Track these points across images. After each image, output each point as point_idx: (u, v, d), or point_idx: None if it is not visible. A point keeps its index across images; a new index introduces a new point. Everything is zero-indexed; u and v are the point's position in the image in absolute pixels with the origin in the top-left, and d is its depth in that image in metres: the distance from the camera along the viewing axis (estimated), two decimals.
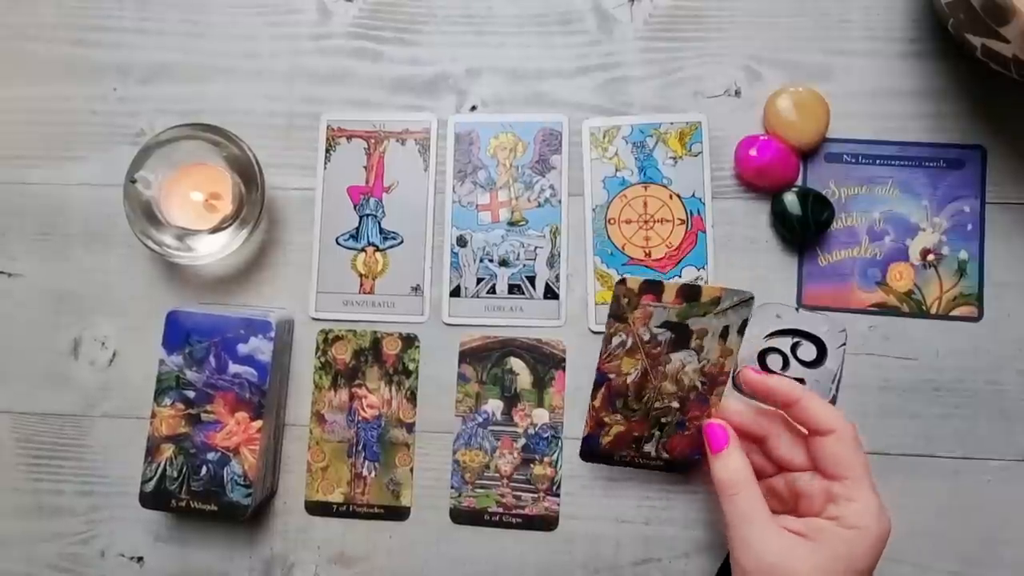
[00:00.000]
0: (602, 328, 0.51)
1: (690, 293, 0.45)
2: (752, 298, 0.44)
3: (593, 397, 0.48)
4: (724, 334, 0.45)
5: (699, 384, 0.46)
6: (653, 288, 0.45)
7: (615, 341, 0.46)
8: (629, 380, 0.47)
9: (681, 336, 0.46)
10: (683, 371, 0.46)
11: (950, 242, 0.51)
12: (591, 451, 0.49)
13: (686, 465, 0.49)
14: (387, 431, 0.51)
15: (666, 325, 0.45)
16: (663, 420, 0.47)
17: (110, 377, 0.53)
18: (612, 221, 0.52)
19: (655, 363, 0.46)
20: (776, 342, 0.51)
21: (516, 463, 0.51)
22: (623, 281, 0.45)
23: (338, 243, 0.53)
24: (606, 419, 0.48)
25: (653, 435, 0.48)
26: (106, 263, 0.54)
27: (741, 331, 0.45)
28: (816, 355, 0.50)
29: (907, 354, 0.50)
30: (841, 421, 0.42)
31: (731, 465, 0.43)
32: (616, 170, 0.53)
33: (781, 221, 0.51)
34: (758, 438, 0.45)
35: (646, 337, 0.46)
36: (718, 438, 0.44)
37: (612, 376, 0.47)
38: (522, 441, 0.51)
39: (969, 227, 0.51)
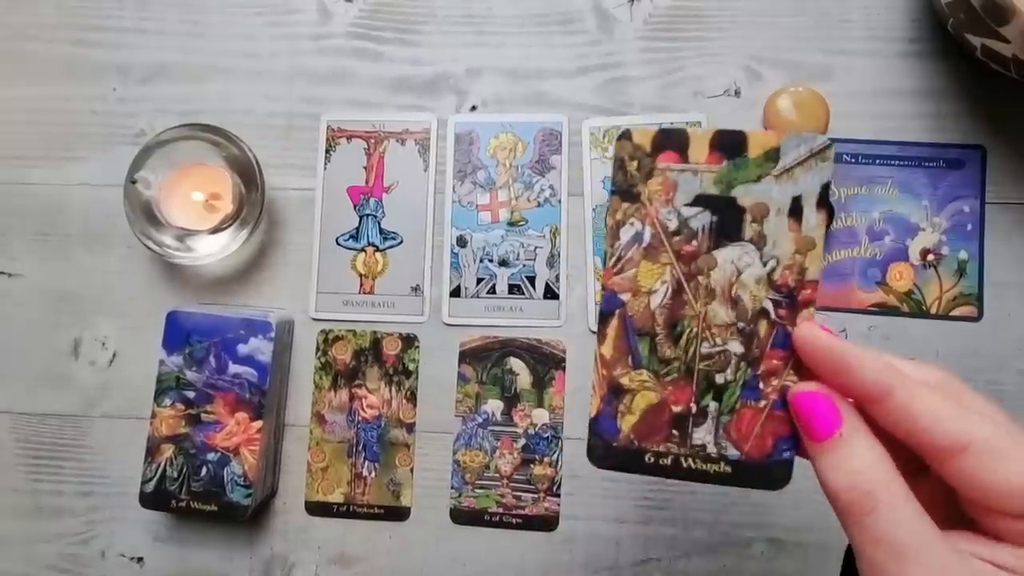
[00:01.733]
0: None
1: (731, 144, 0.29)
2: (831, 145, 0.28)
3: (599, 340, 0.30)
4: (796, 210, 0.29)
5: (770, 304, 0.29)
6: (673, 140, 0.29)
7: (625, 234, 0.30)
8: (655, 304, 0.30)
9: (728, 218, 0.29)
10: (739, 281, 0.29)
11: (950, 242, 0.51)
12: (604, 448, 0.30)
13: (769, 472, 0.29)
14: (387, 431, 0.51)
15: (701, 201, 0.29)
16: (719, 379, 0.29)
17: (110, 377, 0.53)
18: None
19: (692, 271, 0.29)
20: None
21: (516, 463, 0.51)
22: (627, 135, 0.30)
23: (338, 243, 0.53)
24: (625, 380, 0.30)
25: (706, 409, 0.29)
26: (106, 263, 0.54)
27: (823, 204, 0.28)
28: None
29: (907, 354, 0.50)
30: (976, 424, 0.24)
31: (853, 462, 0.25)
32: None
33: None
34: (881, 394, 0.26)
35: (672, 224, 0.29)
36: (822, 417, 0.26)
37: (625, 297, 0.30)
38: (522, 441, 0.51)
39: (969, 227, 0.51)
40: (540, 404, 0.51)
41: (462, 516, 0.51)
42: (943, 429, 0.24)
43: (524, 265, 0.52)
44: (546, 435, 0.51)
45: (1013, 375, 0.50)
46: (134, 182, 0.49)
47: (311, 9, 0.55)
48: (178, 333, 0.48)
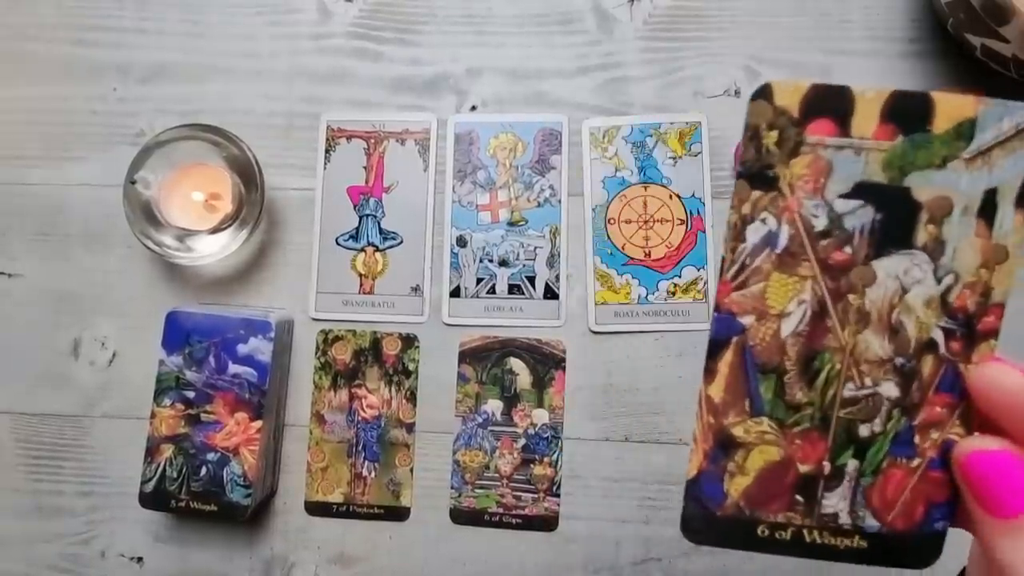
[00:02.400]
0: (603, 328, 0.51)
1: (911, 112, 0.22)
2: None
3: (707, 378, 0.24)
4: (987, 209, 0.22)
5: (941, 335, 0.22)
6: (831, 103, 0.22)
7: (753, 234, 0.23)
8: (787, 331, 0.23)
9: (896, 216, 0.22)
10: (903, 303, 0.22)
11: None
12: (704, 518, 0.24)
13: (916, 547, 0.24)
14: (387, 431, 0.51)
15: (862, 191, 0.22)
16: (863, 432, 0.23)
17: (110, 377, 0.53)
18: (612, 221, 0.52)
19: (842, 287, 0.23)
20: None
21: (516, 463, 0.51)
22: (766, 92, 0.23)
23: (338, 243, 0.53)
24: (738, 432, 0.24)
25: (843, 468, 0.23)
26: (106, 263, 0.54)
27: (1023, 202, 0.22)
28: None
29: None
30: None
31: None
32: (616, 170, 0.52)
33: None
34: None
35: (820, 222, 0.22)
36: (1012, 485, 0.20)
37: (747, 321, 0.23)
38: (522, 441, 0.51)
39: None
40: (540, 404, 0.51)
41: (462, 516, 0.51)
42: None
43: (524, 265, 0.52)
44: (546, 435, 0.51)
45: None
46: (134, 182, 0.49)
47: (311, 9, 0.55)
48: (178, 333, 0.48)
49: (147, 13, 0.55)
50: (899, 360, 0.22)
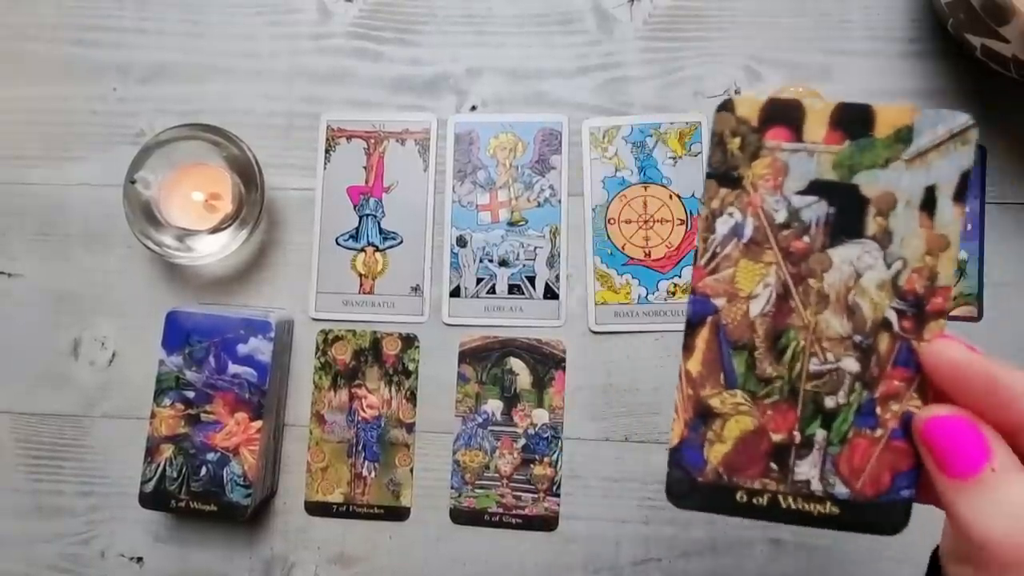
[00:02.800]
0: (603, 328, 0.51)
1: (855, 120, 0.25)
2: (974, 125, 0.25)
3: (685, 354, 0.26)
4: (928, 203, 0.25)
5: (894, 315, 0.25)
6: (785, 114, 0.25)
7: (722, 226, 0.26)
8: (755, 311, 0.26)
9: (847, 210, 0.25)
10: (858, 286, 0.25)
11: None
12: (687, 483, 0.26)
13: (885, 513, 0.25)
14: (387, 431, 0.51)
15: (816, 188, 0.25)
16: (829, 403, 0.25)
17: (110, 377, 0.53)
18: (612, 221, 0.52)
19: (802, 272, 0.25)
20: None
21: (516, 463, 0.51)
22: (729, 105, 0.26)
23: (338, 243, 0.53)
24: (715, 402, 0.26)
25: (812, 438, 0.26)
26: (106, 263, 0.54)
27: (961, 197, 0.25)
28: None
29: None
30: None
31: (1013, 503, 0.21)
32: (616, 170, 0.52)
33: None
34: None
35: (780, 215, 0.26)
36: (967, 448, 0.22)
37: (720, 302, 0.26)
38: (522, 441, 0.51)
39: (969, 227, 0.51)
40: (540, 404, 0.51)
41: (462, 516, 0.51)
42: None
43: (524, 265, 0.52)
44: (546, 435, 0.51)
45: None
46: (133, 182, 0.49)
47: (311, 9, 0.55)
48: (178, 333, 0.48)
49: (147, 13, 0.55)
50: (857, 338, 0.25)
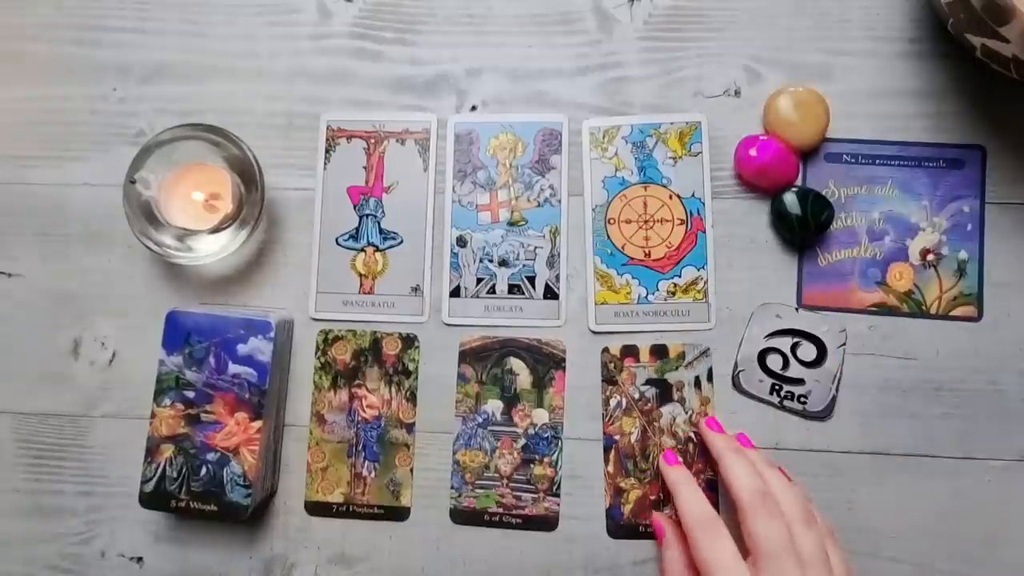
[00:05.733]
0: (603, 328, 0.51)
1: (660, 351, 0.51)
2: (708, 349, 0.50)
3: (605, 463, 0.50)
4: (698, 383, 0.50)
5: (693, 435, 0.50)
6: (631, 351, 0.51)
7: (612, 403, 0.51)
8: (632, 440, 0.50)
9: (664, 390, 0.50)
10: (675, 423, 0.50)
11: (950, 242, 0.51)
12: (617, 525, 0.50)
13: None
14: (387, 431, 0.51)
15: (650, 382, 0.50)
16: None
17: (110, 377, 0.53)
18: (612, 221, 0.52)
19: (650, 419, 0.50)
20: (776, 342, 0.51)
21: (516, 463, 0.51)
22: (606, 350, 0.51)
23: (338, 243, 0.53)
24: (622, 484, 0.50)
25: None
26: (106, 263, 0.54)
27: (710, 378, 0.50)
28: (816, 355, 0.50)
29: (907, 354, 0.50)
30: (745, 492, 0.42)
31: (668, 556, 0.46)
32: (616, 170, 0.52)
33: (781, 221, 0.51)
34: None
35: (636, 395, 0.50)
36: (658, 530, 0.48)
37: (617, 437, 0.50)
38: (522, 441, 0.51)
39: (969, 227, 0.51)
40: (540, 404, 0.51)
41: (462, 516, 0.51)
42: (731, 486, 0.43)
43: (524, 265, 0.52)
44: (546, 435, 0.51)
45: (1013, 375, 0.50)
46: (133, 182, 0.49)
47: (311, 9, 0.55)
48: (178, 333, 0.48)
49: (147, 13, 0.55)
50: (680, 447, 0.50)
